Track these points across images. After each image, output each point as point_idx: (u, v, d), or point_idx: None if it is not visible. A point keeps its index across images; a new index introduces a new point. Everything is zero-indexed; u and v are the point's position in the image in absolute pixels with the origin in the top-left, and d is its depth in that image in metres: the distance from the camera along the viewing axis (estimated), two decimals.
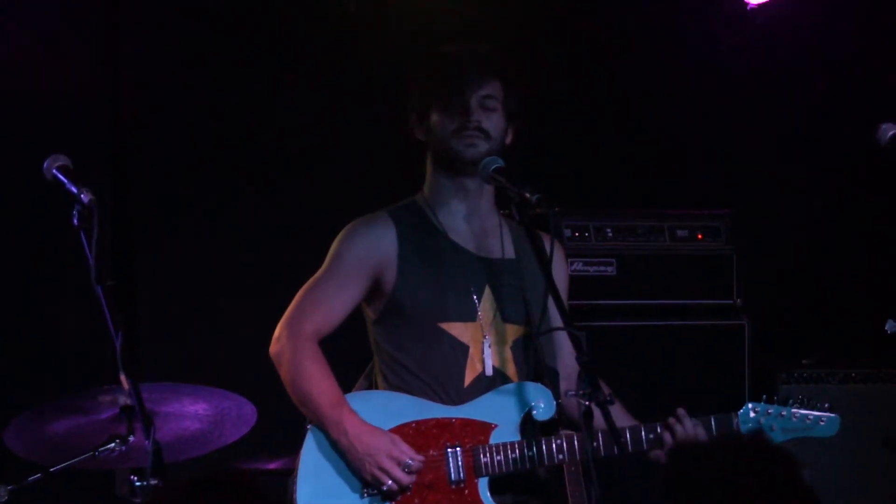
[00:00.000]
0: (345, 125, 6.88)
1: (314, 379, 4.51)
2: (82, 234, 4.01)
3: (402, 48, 6.54)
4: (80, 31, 6.63)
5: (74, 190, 4.07)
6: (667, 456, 4.43)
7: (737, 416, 4.52)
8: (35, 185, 4.23)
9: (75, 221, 4.02)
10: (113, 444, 4.79)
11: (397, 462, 4.41)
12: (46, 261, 6.36)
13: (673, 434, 4.48)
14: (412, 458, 4.43)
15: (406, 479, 4.42)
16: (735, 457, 3.01)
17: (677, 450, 4.17)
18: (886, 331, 5.21)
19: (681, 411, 4.51)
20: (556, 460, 4.47)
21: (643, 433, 4.49)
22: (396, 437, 4.46)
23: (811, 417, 4.49)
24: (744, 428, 4.49)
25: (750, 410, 4.50)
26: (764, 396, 4.53)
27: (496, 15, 6.94)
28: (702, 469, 3.02)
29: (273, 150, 6.90)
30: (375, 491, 4.45)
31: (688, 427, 4.48)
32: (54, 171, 4.15)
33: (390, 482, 4.42)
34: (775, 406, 4.50)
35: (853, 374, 6.44)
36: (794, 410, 4.50)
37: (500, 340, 4.58)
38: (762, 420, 4.48)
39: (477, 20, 6.88)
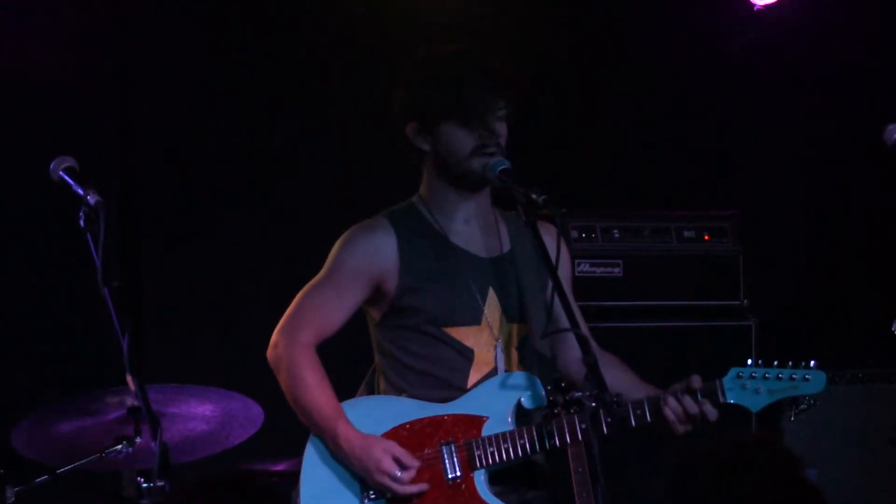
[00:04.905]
0: (349, 128, 6.88)
1: (311, 390, 4.49)
2: (89, 236, 4.02)
3: (402, 49, 6.53)
4: (87, 32, 6.64)
5: (81, 191, 4.07)
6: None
7: (721, 381, 4.46)
8: (42, 186, 4.24)
9: (82, 223, 4.03)
10: (120, 446, 4.80)
11: (388, 476, 4.42)
12: (53, 262, 6.37)
13: (667, 409, 4.43)
14: (408, 463, 4.42)
15: (401, 489, 4.43)
16: (741, 457, 3.00)
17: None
18: (893, 331, 5.20)
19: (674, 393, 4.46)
20: (547, 446, 4.46)
21: (630, 410, 4.45)
22: (390, 445, 4.44)
23: (796, 375, 4.41)
24: (730, 395, 4.43)
25: (735, 375, 4.45)
26: (749, 361, 4.46)
27: (500, 14, 6.95)
28: (708, 470, 3.01)
29: (279, 152, 6.90)
30: (375, 495, 4.46)
31: (672, 404, 4.43)
32: (61, 172, 4.15)
33: (390, 493, 4.44)
34: (759, 368, 4.44)
35: (860, 375, 6.43)
36: (778, 370, 4.43)
37: (507, 342, 4.57)
38: (747, 384, 4.42)
39: (480, 20, 6.87)
